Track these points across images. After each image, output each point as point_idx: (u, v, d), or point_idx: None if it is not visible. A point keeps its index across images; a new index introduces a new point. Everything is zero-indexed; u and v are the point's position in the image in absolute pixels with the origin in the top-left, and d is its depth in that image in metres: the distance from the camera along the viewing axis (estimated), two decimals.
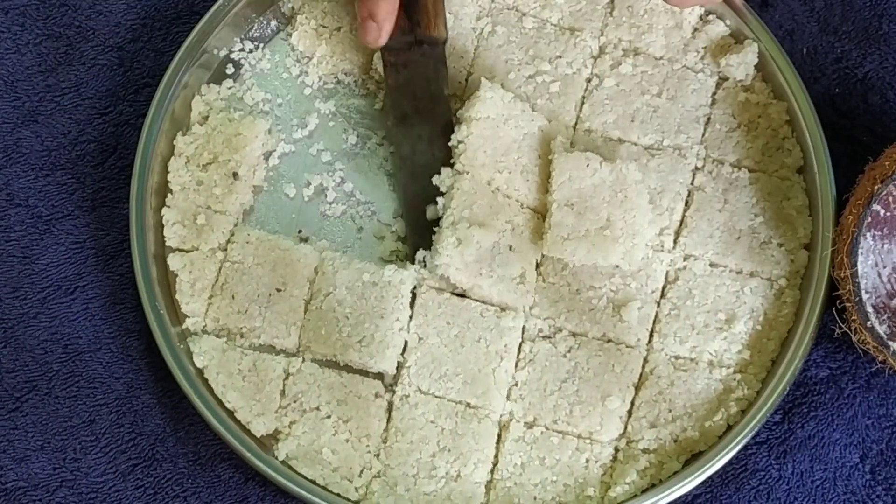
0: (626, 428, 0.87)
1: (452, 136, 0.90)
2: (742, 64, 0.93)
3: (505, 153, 0.91)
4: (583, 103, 0.94)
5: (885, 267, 0.84)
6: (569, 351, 0.89)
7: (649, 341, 0.89)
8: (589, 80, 0.94)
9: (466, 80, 0.95)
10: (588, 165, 0.89)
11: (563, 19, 0.96)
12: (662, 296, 0.90)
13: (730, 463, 0.87)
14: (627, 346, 0.89)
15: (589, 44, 0.95)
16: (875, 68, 0.95)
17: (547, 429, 0.87)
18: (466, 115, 0.91)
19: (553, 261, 0.90)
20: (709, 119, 0.93)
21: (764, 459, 0.88)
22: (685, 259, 0.90)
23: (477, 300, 0.89)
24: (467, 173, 0.90)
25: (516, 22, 0.95)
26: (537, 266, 0.90)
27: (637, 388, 0.88)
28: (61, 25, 0.99)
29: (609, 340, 0.89)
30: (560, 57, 0.94)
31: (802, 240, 0.91)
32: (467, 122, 0.90)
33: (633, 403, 0.88)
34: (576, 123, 0.93)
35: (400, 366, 0.89)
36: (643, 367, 0.88)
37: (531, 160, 0.91)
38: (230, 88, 0.96)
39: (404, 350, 0.89)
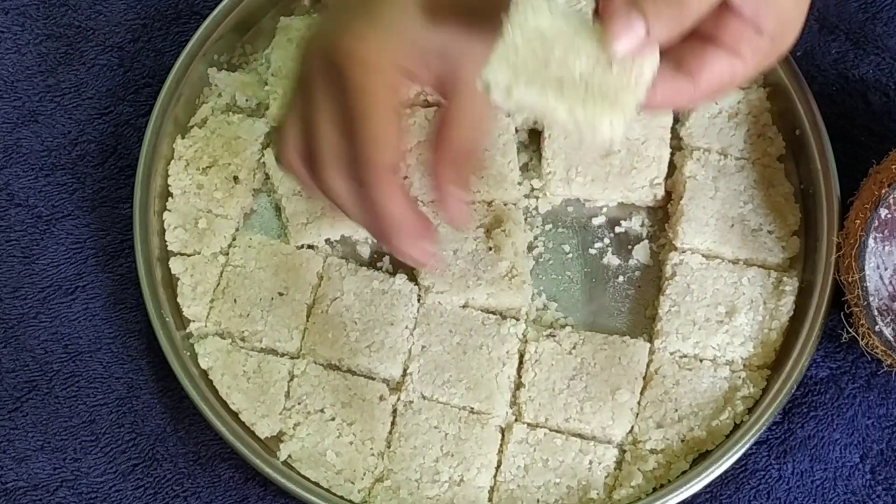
0: (633, 427, 0.87)
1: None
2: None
3: None
4: None
5: (886, 269, 0.84)
6: (574, 347, 0.88)
7: (651, 341, 0.89)
8: None
9: None
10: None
11: None
12: (662, 292, 0.90)
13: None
14: (631, 337, 0.88)
15: None
16: (872, 69, 0.95)
17: (556, 430, 0.87)
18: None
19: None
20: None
21: (764, 459, 0.88)
22: (682, 253, 0.90)
23: (478, 310, 0.90)
24: (422, 203, 0.91)
25: None
26: (529, 250, 0.91)
27: (643, 386, 0.88)
28: (61, 25, 0.98)
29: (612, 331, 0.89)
30: None
31: (792, 227, 0.91)
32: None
33: (639, 404, 0.88)
34: None
35: (404, 372, 0.89)
36: (647, 367, 0.88)
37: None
38: (230, 91, 0.95)
39: (408, 357, 0.89)
